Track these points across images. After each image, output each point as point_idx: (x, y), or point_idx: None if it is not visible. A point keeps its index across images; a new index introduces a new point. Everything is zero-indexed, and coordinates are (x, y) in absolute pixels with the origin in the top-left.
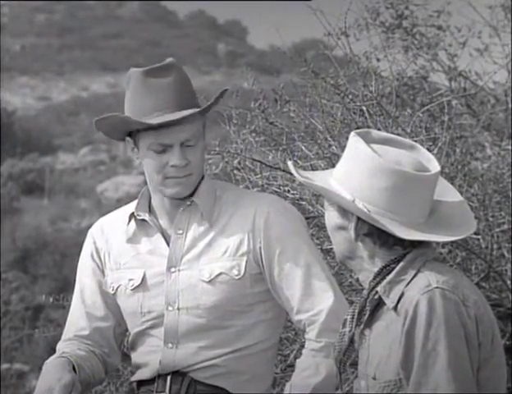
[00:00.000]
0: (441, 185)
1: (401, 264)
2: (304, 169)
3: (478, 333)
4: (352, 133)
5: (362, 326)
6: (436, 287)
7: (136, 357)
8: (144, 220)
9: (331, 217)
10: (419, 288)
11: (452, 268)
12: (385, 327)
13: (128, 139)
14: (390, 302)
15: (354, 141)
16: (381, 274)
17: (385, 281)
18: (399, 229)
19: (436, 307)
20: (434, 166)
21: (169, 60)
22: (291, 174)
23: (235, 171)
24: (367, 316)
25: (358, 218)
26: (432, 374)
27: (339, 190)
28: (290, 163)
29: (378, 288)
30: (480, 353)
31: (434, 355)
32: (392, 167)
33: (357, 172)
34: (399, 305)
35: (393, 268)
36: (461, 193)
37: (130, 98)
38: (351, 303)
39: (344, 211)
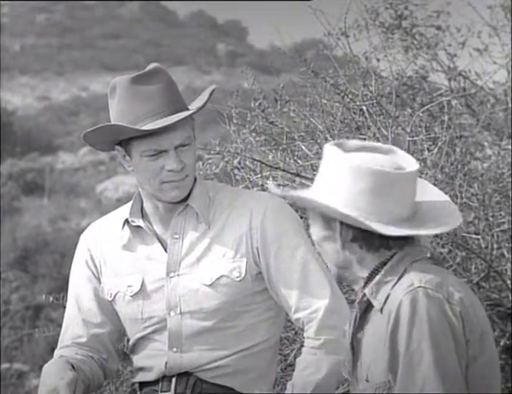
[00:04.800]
0: (424, 186)
1: (387, 266)
2: (304, 169)
3: (465, 330)
4: (326, 145)
5: (355, 330)
6: (419, 287)
7: (138, 361)
8: (138, 226)
9: (317, 231)
10: (402, 288)
11: (446, 267)
12: (373, 328)
13: (118, 147)
14: (377, 304)
15: (330, 151)
16: (371, 278)
17: (372, 283)
18: (383, 227)
19: (419, 306)
20: (412, 165)
21: (154, 65)
22: (291, 174)
23: (235, 171)
24: (358, 319)
25: (342, 225)
26: (419, 373)
27: (320, 199)
28: (269, 183)
29: (366, 290)
30: (468, 350)
31: (419, 354)
32: (370, 167)
33: (336, 180)
34: (384, 306)
35: (380, 271)
36: (461, 192)
37: (119, 106)
38: (351, 302)
39: (327, 222)
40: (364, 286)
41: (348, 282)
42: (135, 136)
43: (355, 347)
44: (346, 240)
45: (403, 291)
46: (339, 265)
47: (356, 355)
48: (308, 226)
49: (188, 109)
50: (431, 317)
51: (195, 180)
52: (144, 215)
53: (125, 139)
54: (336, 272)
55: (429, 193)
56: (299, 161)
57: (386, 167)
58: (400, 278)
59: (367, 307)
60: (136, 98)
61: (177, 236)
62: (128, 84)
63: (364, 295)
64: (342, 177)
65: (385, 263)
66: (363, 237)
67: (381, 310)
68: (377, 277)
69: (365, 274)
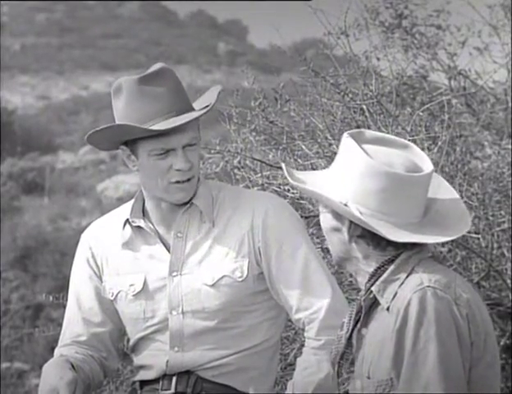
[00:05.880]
0: (437, 182)
1: (395, 264)
2: (305, 168)
3: (470, 332)
4: (345, 134)
5: (359, 326)
6: (428, 286)
7: (139, 360)
8: (139, 226)
9: (326, 220)
10: (411, 287)
11: (447, 267)
12: (379, 326)
13: (123, 147)
14: (384, 302)
15: (347, 142)
16: (376, 275)
17: (379, 281)
18: (391, 231)
19: (427, 306)
20: (427, 166)
21: (161, 65)
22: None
23: (236, 171)
24: (363, 315)
25: (351, 221)
26: (423, 372)
27: (331, 193)
28: (283, 166)
29: (373, 288)
30: (472, 352)
31: (424, 354)
32: (383, 168)
33: (349, 174)
34: (391, 304)
35: (387, 269)
36: (461, 192)
37: (126, 106)
38: (351, 301)
39: (337, 213)
40: (369, 281)
41: (348, 272)
42: (142, 137)
43: (357, 343)
44: (354, 236)
45: (412, 290)
46: (343, 256)
47: (358, 352)
48: (308, 226)
49: (193, 109)
50: (439, 317)
51: (198, 179)
52: (145, 214)
53: (130, 139)
54: (338, 260)
55: (442, 191)
56: (299, 160)
57: (400, 168)
58: (407, 277)
59: (372, 304)
60: (144, 98)
61: (181, 235)
62: (135, 85)
63: (371, 292)
64: (355, 174)
65: (391, 261)
66: (371, 235)
67: (388, 308)
68: (384, 275)
69: (370, 269)
